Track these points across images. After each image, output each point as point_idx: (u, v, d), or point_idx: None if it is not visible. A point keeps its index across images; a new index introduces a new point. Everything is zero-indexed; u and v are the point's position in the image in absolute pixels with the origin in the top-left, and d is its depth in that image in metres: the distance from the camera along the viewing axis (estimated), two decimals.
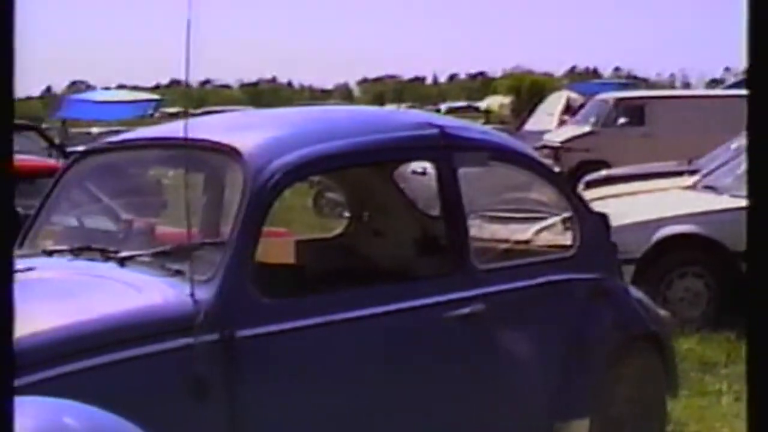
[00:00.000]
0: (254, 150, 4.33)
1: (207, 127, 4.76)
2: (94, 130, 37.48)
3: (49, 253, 4.72)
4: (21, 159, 9.97)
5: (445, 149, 4.88)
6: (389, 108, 29.68)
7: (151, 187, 5.93)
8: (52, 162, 9.79)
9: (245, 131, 4.72)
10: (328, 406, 4.27)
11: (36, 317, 3.97)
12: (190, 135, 4.09)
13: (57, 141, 23.79)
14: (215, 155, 4.56)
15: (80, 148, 21.55)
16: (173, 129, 5.23)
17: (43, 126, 26.94)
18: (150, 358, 3.83)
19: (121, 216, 5.28)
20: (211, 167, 4.79)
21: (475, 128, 6.24)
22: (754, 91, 1.76)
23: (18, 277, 4.13)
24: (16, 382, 3.53)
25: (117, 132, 28.51)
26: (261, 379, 4.08)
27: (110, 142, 5.57)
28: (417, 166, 6.56)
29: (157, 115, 37.08)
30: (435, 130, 4.91)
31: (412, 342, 4.62)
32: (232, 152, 4.36)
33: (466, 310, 4.65)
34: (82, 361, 3.71)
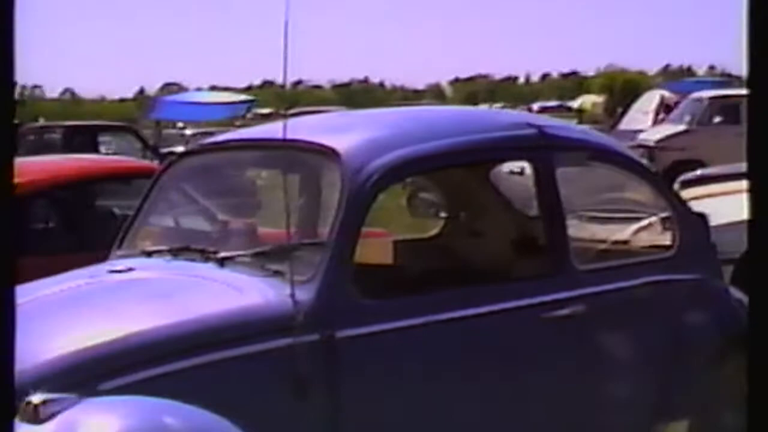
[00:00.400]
0: (352, 151, 4.35)
1: (305, 127, 4.79)
2: (188, 131, 37.87)
3: (148, 254, 4.79)
4: (117, 160, 10.15)
5: (544, 149, 4.86)
6: (482, 108, 29.60)
7: (246, 188, 5.99)
8: (147, 163, 9.92)
9: (343, 132, 4.74)
10: (427, 407, 4.28)
11: (136, 317, 4.04)
12: (288, 136, 4.13)
13: (151, 142, 24.12)
14: (313, 156, 4.59)
15: (174, 149, 21.91)
16: (270, 130, 5.28)
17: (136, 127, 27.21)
18: (250, 359, 3.87)
19: (217, 217, 5.33)
20: (308, 168, 4.82)
21: (574, 128, 6.22)
22: (754, 91, 1.78)
23: (117, 277, 4.22)
24: (120, 381, 3.62)
25: (210, 133, 28.88)
26: (360, 380, 4.10)
27: (207, 143, 5.64)
28: (515, 166, 6.54)
29: (249, 116, 37.39)
30: (534, 130, 4.89)
31: (511, 343, 4.60)
32: (330, 153, 4.38)
33: (565, 311, 4.63)
34: (183, 361, 3.77)
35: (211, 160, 5.39)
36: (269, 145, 4.86)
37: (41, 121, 31.65)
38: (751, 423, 1.84)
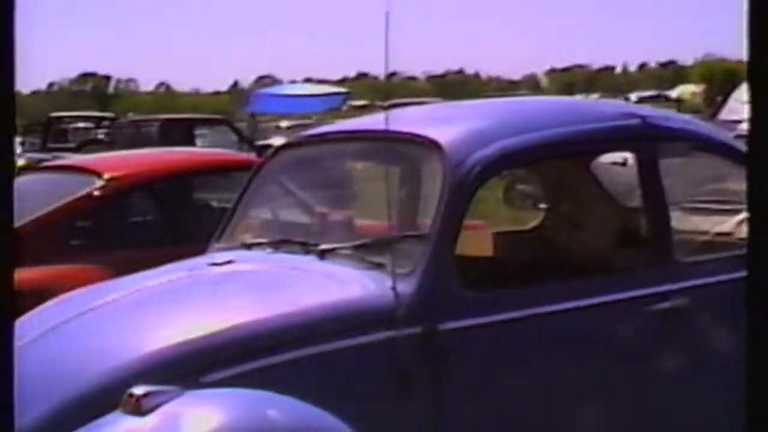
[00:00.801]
0: (454, 142, 4.33)
1: (405, 119, 4.79)
2: (283, 123, 38.15)
3: (248, 246, 4.82)
4: (216, 153, 10.24)
5: (648, 139, 4.80)
6: (578, 97, 29.35)
7: (344, 180, 6.01)
8: (245, 156, 9.99)
9: (445, 123, 4.72)
10: (529, 401, 4.25)
11: (237, 310, 4.07)
12: (389, 127, 4.13)
13: (246, 135, 24.32)
14: (414, 147, 4.58)
15: (270, 142, 22.06)
16: (370, 122, 5.29)
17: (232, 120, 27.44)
18: (351, 351, 3.87)
19: (316, 209, 5.35)
20: (408, 159, 4.81)
21: (678, 117, 6.12)
22: (754, 91, 1.79)
23: (217, 270, 4.26)
24: (222, 374, 3.65)
25: (305, 126, 29.12)
26: (463, 373, 4.08)
27: (307, 135, 5.66)
28: (617, 156, 6.47)
29: (344, 108, 37.54)
30: (637, 120, 4.83)
31: (614, 336, 4.56)
32: (431, 144, 4.37)
33: (668, 304, 4.56)
34: (284, 353, 3.78)
35: (310, 152, 5.42)
36: (370, 136, 4.88)
37: (130, 116, 32.01)
38: (751, 423, 1.86)
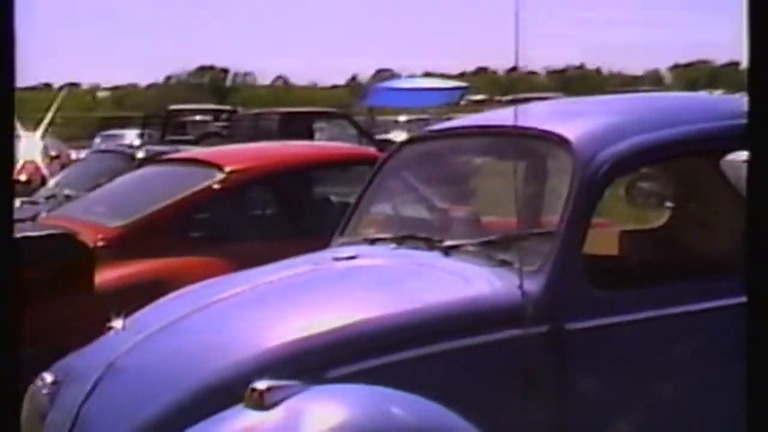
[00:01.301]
0: (583, 138, 4.28)
1: (531, 115, 4.74)
2: (401, 117, 38.19)
3: (372, 242, 4.83)
4: (337, 147, 10.28)
5: None
6: (702, 94, 28.89)
7: (467, 176, 5.98)
8: (366, 150, 10.01)
9: (573, 119, 4.67)
10: (656, 403, 4.19)
11: (362, 305, 4.08)
12: (515, 122, 4.10)
13: (365, 129, 24.39)
14: (541, 143, 4.53)
15: (389, 136, 22.08)
16: (495, 117, 5.25)
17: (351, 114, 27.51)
18: (477, 349, 3.85)
19: (440, 205, 5.33)
20: (535, 155, 4.76)
21: None
22: (754, 92, 1.85)
23: (341, 265, 4.27)
24: (346, 370, 3.65)
25: (424, 120, 29.09)
26: (589, 373, 4.04)
27: (433, 130, 5.66)
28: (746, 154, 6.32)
29: (463, 102, 37.42)
30: None
31: (741, 339, 4.45)
32: (559, 140, 4.32)
33: None
34: (409, 350, 3.78)
35: (434, 148, 5.40)
36: (496, 132, 4.84)
37: (240, 111, 32.24)
38: (751, 423, 1.90)
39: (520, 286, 3.90)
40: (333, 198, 7.97)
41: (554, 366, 3.93)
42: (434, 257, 4.37)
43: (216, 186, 7.12)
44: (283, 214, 7.60)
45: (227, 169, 7.26)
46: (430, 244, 4.49)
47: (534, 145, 4.56)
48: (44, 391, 4.29)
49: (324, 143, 14.53)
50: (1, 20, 1.76)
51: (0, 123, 1.75)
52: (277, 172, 7.68)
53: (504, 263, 4.10)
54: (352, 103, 42.47)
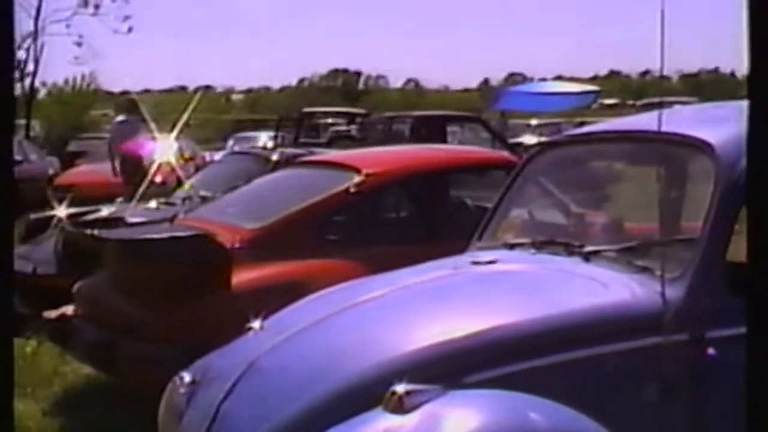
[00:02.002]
0: (726, 143, 4.18)
1: (672, 119, 4.66)
2: (533, 121, 38.00)
3: (510, 246, 4.80)
4: (472, 151, 10.26)
5: None
6: None
7: (606, 181, 5.92)
8: (500, 154, 9.96)
9: (715, 124, 4.57)
10: None
11: (501, 310, 4.05)
12: (653, 128, 4.04)
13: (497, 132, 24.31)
14: (683, 148, 4.46)
15: (521, 140, 22.01)
16: (634, 122, 5.18)
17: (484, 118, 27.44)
18: (616, 356, 3.80)
19: (578, 210, 5.28)
20: (676, 161, 4.68)
21: None
22: (754, 92, 1.88)
23: (481, 269, 4.24)
24: (485, 375, 3.63)
25: (555, 124, 28.91)
26: (729, 383, 3.95)
27: (571, 135, 5.62)
28: None
29: (594, 106, 37.05)
30: None
31: None
32: (702, 146, 4.24)
33: None
34: (548, 356, 3.75)
35: (572, 152, 5.37)
36: (636, 137, 4.78)
37: (372, 114, 32.28)
38: (751, 423, 1.96)
39: (661, 293, 3.84)
40: (468, 201, 7.94)
41: (693, 374, 3.86)
42: (574, 263, 4.34)
43: (353, 189, 7.15)
44: (419, 218, 7.61)
45: (364, 171, 7.28)
46: (570, 250, 4.45)
47: (675, 151, 4.49)
48: (182, 391, 4.35)
49: (459, 147, 14.51)
50: (1, 21, 1.79)
51: (0, 124, 1.77)
52: (414, 176, 7.68)
53: (644, 270, 4.05)
54: (484, 106, 42.40)
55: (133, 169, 15.80)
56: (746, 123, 1.93)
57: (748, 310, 1.95)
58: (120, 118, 18.14)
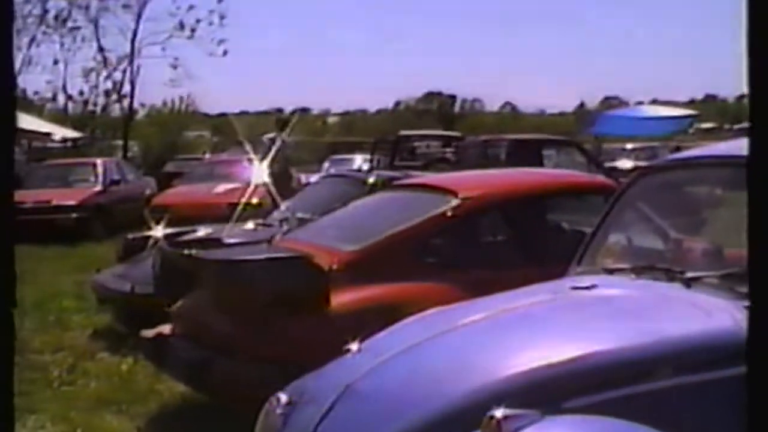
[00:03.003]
0: None
1: None
2: (628, 145, 37.66)
3: (610, 271, 4.76)
4: (570, 175, 10.18)
5: None
6: None
7: (704, 206, 5.84)
8: (598, 178, 9.88)
9: None
10: None
11: (602, 336, 4.02)
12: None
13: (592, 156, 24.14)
14: None
15: (617, 164, 21.81)
16: (735, 146, 5.11)
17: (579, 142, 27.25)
18: (718, 385, 3.74)
19: (678, 235, 5.22)
20: None
21: None
22: (754, 92, 1.88)
23: (580, 294, 4.20)
24: (584, 401, 3.59)
25: (651, 148, 28.56)
26: None
27: (673, 160, 5.57)
28: None
29: (691, 131, 36.60)
30: None
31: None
32: None
33: None
34: (648, 383, 3.71)
35: (673, 177, 5.31)
36: (735, 162, 4.71)
37: (466, 137, 32.24)
38: (751, 423, 1.97)
39: None
40: (565, 226, 7.89)
41: None
42: (675, 289, 4.29)
43: (450, 212, 7.14)
44: (516, 242, 7.56)
45: (461, 195, 7.27)
46: (671, 276, 4.40)
47: None
48: (278, 411, 4.37)
49: (556, 171, 14.43)
50: (1, 22, 1.80)
51: (0, 125, 1.79)
52: (511, 199, 7.65)
53: (747, 296, 3.97)
54: (579, 130, 42.16)
55: (283, 181, 16.76)
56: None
57: (749, 310, 2.00)
58: (269, 135, 19.36)
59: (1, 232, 1.93)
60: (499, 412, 3.49)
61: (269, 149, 18.33)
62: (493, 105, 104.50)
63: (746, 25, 1.88)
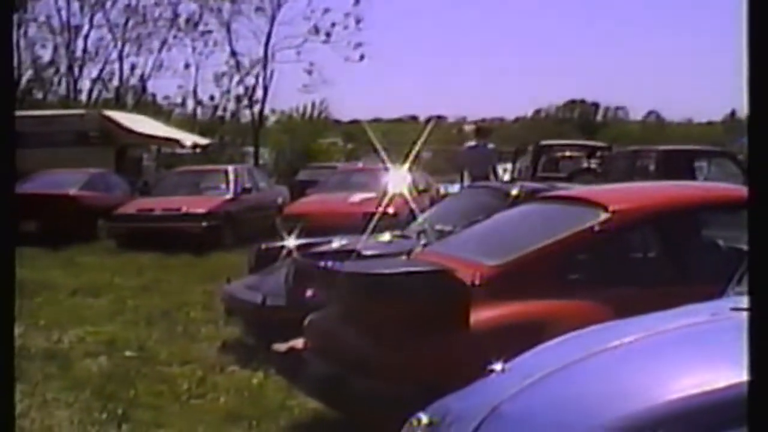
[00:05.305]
0: None
1: None
2: None
3: None
4: (725, 188, 9.97)
5: None
6: None
7: None
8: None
9: None
10: None
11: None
12: None
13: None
14: None
15: None
16: None
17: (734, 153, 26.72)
18: None
19: None
20: None
21: None
22: (754, 91, 1.96)
23: (741, 315, 4.08)
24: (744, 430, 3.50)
25: None
26: None
27: None
28: None
29: None
30: None
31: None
32: None
33: None
34: None
35: None
36: None
37: (616, 147, 31.90)
38: (751, 423, 2.02)
39: None
40: (721, 243, 7.73)
41: None
42: None
43: (599, 227, 7.05)
44: (668, 258, 7.41)
45: (611, 208, 7.18)
46: None
47: None
48: None
49: (711, 183, 14.17)
50: (2, 24, 1.81)
51: (0, 124, 1.79)
52: (664, 214, 7.51)
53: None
54: (730, 140, 41.38)
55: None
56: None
57: (750, 309, 2.07)
58: (471, 143, 20.29)
59: (1, 234, 1.95)
60: None
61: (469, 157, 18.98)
62: (637, 114, 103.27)
63: (746, 25, 1.92)
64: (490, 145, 19.93)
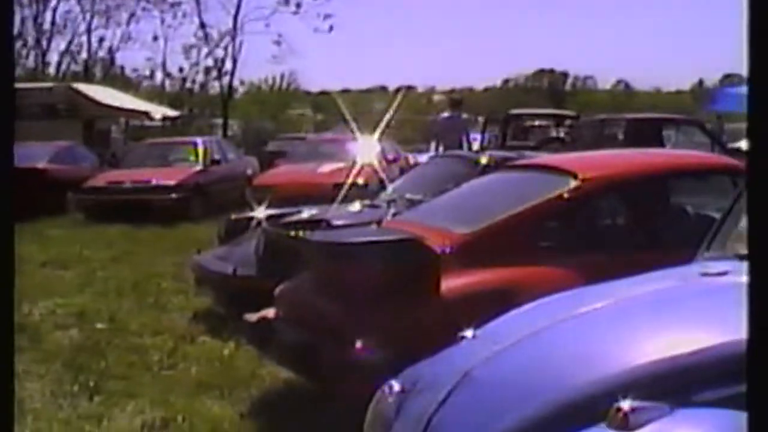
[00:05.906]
0: None
1: None
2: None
3: (742, 257, 4.67)
4: (693, 155, 10.02)
5: None
6: None
7: None
8: (725, 159, 9.72)
9: None
10: None
11: (733, 324, 3.93)
12: None
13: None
14: None
15: (740, 145, 21.40)
16: None
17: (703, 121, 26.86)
18: None
19: None
20: None
21: None
22: (754, 91, 1.94)
23: (711, 281, 4.10)
24: (715, 393, 3.52)
25: None
26: None
27: None
28: None
29: None
30: None
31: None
32: None
33: None
34: None
35: None
36: None
37: (582, 115, 31.98)
38: (751, 423, 1.99)
39: None
40: (689, 209, 7.77)
41: None
42: None
43: (568, 194, 7.07)
44: (637, 225, 7.46)
45: (581, 176, 7.19)
46: None
47: None
48: (391, 399, 4.36)
49: (680, 151, 14.21)
50: (1, 21, 1.81)
51: (0, 123, 1.79)
52: (633, 181, 7.54)
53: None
54: (698, 108, 41.51)
55: None
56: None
57: (750, 308, 2.04)
58: (445, 114, 20.76)
59: (0, 228, 1.95)
60: (626, 404, 3.44)
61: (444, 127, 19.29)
62: (605, 83, 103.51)
63: (747, 24, 1.92)
64: (464, 116, 20.15)
